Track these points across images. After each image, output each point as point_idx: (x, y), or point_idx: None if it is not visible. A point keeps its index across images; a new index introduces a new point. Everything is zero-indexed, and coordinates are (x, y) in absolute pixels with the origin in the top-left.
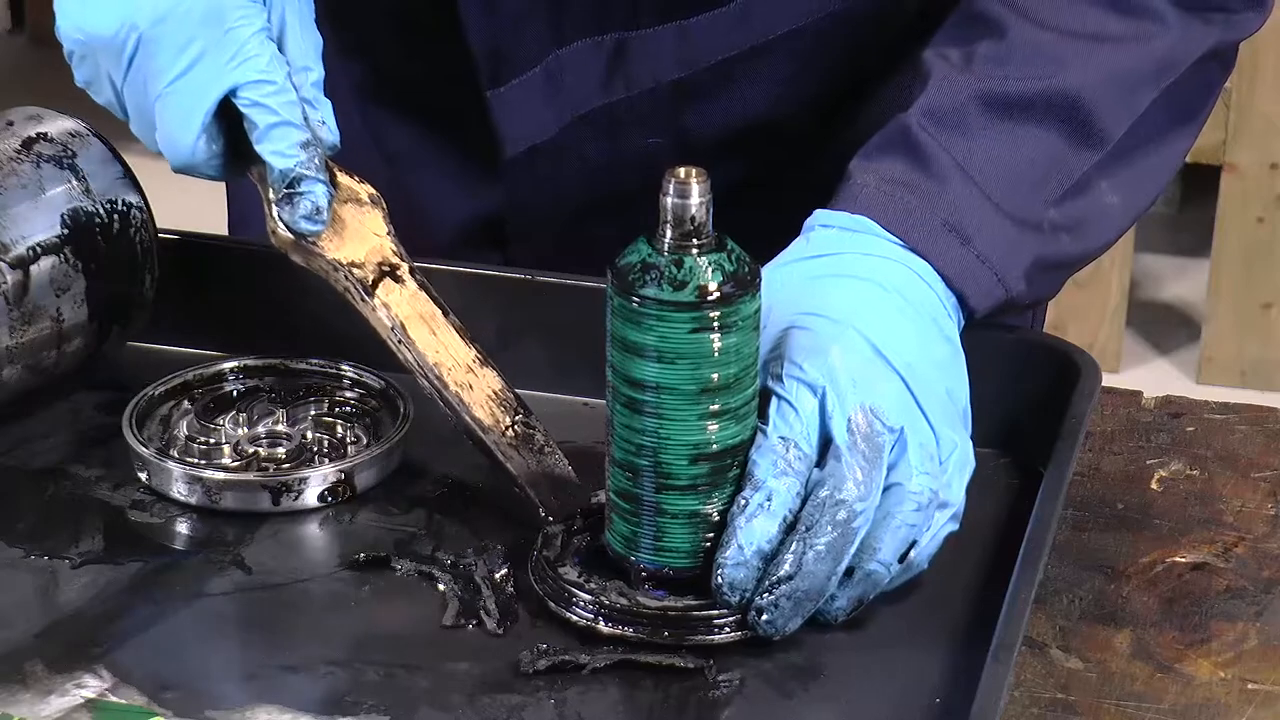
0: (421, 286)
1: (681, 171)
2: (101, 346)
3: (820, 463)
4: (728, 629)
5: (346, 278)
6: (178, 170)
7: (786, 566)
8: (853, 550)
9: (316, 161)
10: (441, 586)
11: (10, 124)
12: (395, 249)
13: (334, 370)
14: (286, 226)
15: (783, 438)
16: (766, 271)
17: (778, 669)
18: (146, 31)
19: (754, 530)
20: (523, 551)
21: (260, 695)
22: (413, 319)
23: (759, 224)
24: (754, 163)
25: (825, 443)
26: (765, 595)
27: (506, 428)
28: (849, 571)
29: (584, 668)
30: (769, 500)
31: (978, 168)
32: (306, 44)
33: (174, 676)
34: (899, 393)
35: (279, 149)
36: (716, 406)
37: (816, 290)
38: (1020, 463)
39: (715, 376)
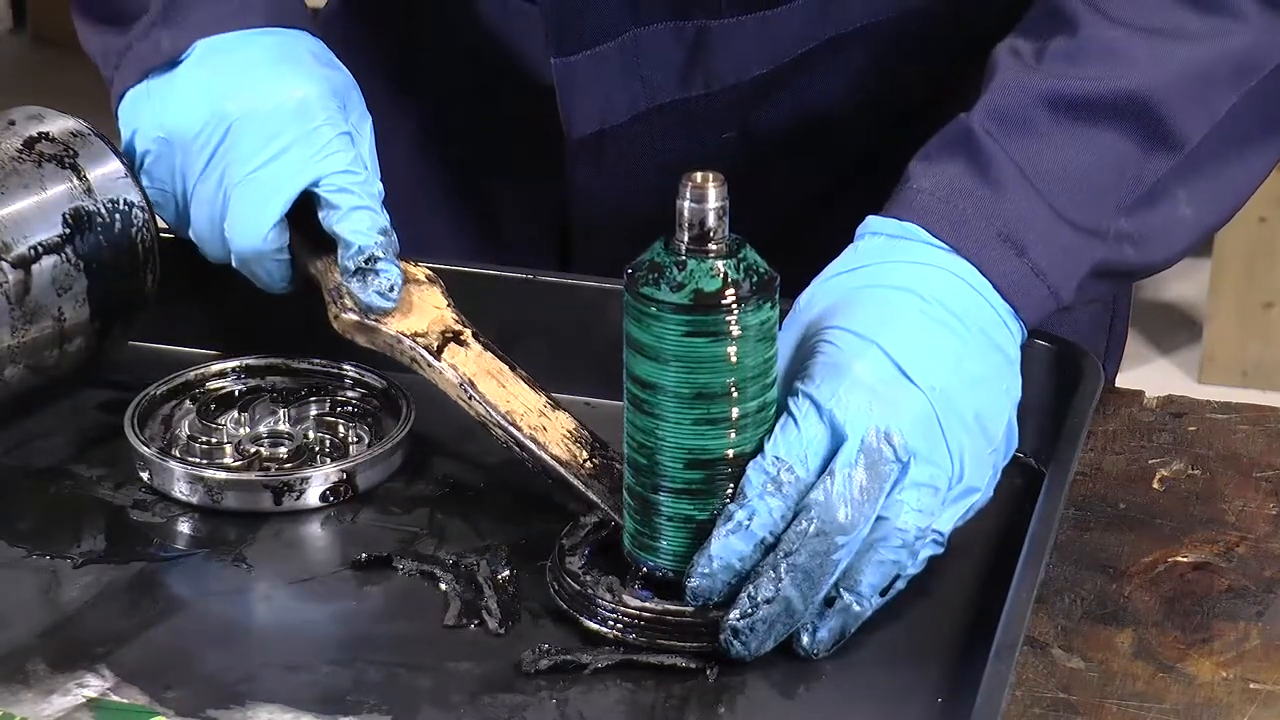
0: (486, 347)
1: (698, 176)
2: (103, 346)
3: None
4: (694, 640)
5: (411, 347)
6: (242, 260)
7: (764, 590)
8: (832, 579)
9: (392, 249)
10: (443, 586)
11: (12, 123)
12: (456, 317)
13: (336, 370)
14: (356, 304)
15: (778, 457)
16: (813, 285)
17: (779, 669)
18: (237, 122)
19: (728, 546)
20: (524, 551)
21: (262, 695)
22: (480, 375)
23: (840, 243)
24: (825, 167)
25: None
26: (742, 619)
27: (584, 461)
28: (830, 601)
29: (585, 668)
30: (750, 519)
31: (1041, 172)
32: (374, 158)
33: (175, 676)
34: (920, 417)
35: (359, 228)
36: (711, 413)
37: (850, 303)
38: (1022, 462)
39: (713, 382)
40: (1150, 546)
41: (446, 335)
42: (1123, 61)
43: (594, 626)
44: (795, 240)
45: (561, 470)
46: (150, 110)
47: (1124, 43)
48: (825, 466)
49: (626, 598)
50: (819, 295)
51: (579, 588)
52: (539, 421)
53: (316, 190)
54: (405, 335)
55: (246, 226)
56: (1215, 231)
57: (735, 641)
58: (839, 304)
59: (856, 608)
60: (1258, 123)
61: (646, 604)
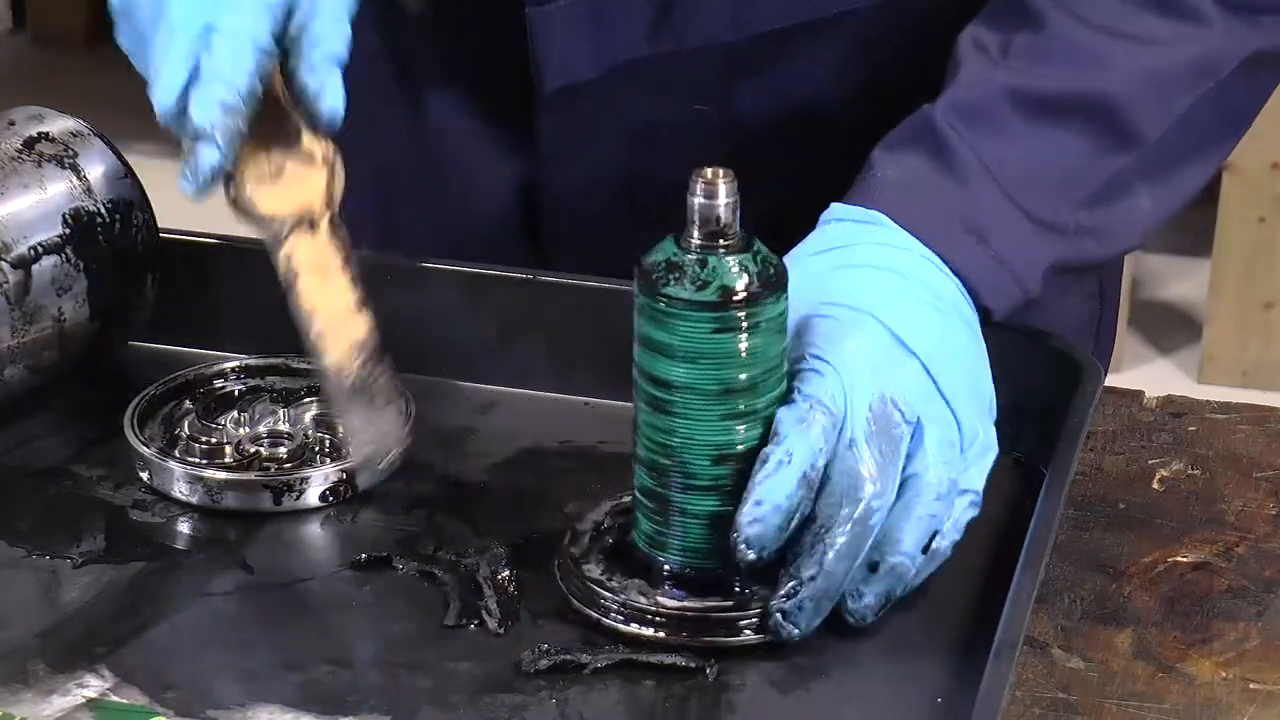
0: (335, 234)
1: (709, 172)
2: (103, 346)
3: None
4: (747, 631)
5: (266, 231)
6: (163, 124)
7: (806, 568)
8: (869, 545)
9: (227, 126)
10: (444, 586)
11: (12, 123)
12: (324, 200)
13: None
14: (234, 192)
15: (808, 396)
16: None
17: (779, 669)
18: None
19: (772, 485)
20: (524, 551)
21: (261, 695)
22: (308, 269)
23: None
24: (803, 154)
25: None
26: (788, 599)
27: (348, 371)
28: (874, 566)
29: (585, 667)
30: (789, 456)
31: (1003, 168)
32: (329, 20)
33: (175, 676)
34: (919, 380)
35: (200, 99)
36: (740, 408)
37: (835, 280)
38: (1022, 462)
39: (739, 377)
40: (1150, 546)
41: (302, 218)
42: (1088, 62)
43: (633, 630)
44: (774, 228)
45: (329, 377)
46: None
47: (1090, 43)
48: (846, 415)
49: (661, 599)
50: (793, 274)
51: (609, 594)
52: (334, 325)
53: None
54: (264, 218)
55: (154, 81)
56: (1168, 219)
57: (786, 623)
58: (823, 283)
59: (901, 569)
60: (1214, 122)
61: (685, 603)
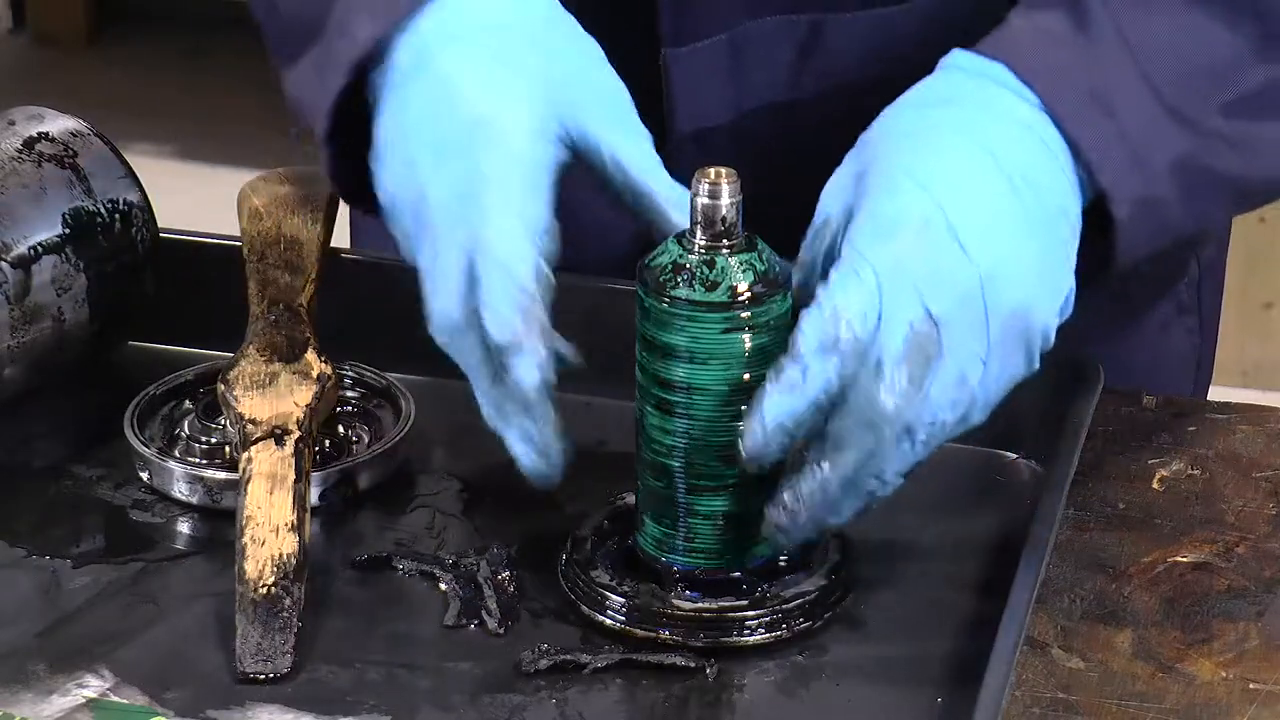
0: (299, 451)
1: (712, 172)
2: (103, 346)
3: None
4: (761, 630)
5: (238, 430)
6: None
7: (808, 484)
8: (873, 467)
9: (532, 323)
10: (443, 586)
11: (12, 123)
12: (303, 418)
13: (335, 370)
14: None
15: (837, 312)
16: (886, 110)
17: (779, 668)
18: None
19: (781, 404)
20: (525, 551)
21: (262, 695)
22: (260, 477)
23: None
24: None
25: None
26: (785, 513)
27: (260, 585)
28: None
29: (585, 667)
30: (804, 377)
31: (1143, 42)
32: (621, 126)
33: (175, 676)
34: (969, 298)
35: (492, 302)
36: (747, 407)
37: (918, 146)
38: (1022, 462)
39: (746, 377)
40: (1150, 546)
41: (275, 429)
42: None
43: (645, 634)
44: None
45: (237, 585)
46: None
47: None
48: (876, 334)
49: (676, 601)
50: (887, 118)
51: (622, 599)
52: (265, 534)
53: None
54: (242, 418)
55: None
56: None
57: (779, 535)
58: (908, 142)
59: (881, 493)
60: None
61: (700, 604)
